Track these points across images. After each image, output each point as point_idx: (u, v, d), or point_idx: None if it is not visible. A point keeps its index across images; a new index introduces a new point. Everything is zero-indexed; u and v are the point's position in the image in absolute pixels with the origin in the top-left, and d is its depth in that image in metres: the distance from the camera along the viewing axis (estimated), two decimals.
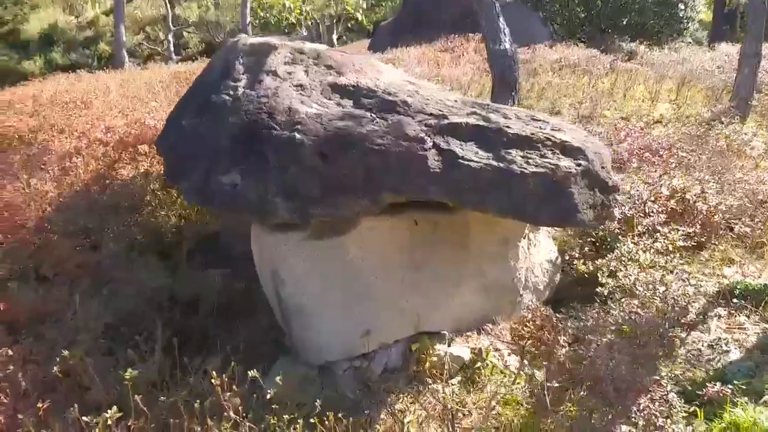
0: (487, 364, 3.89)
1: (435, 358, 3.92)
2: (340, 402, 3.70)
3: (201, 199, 3.46)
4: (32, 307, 3.55)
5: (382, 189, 3.29)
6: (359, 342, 3.81)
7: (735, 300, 4.68)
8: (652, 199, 5.11)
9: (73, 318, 3.44)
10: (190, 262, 4.53)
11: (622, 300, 4.05)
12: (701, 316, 4.19)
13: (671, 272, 4.62)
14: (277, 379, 2.79)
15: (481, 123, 3.50)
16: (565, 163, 3.34)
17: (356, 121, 3.38)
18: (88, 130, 6.71)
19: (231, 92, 3.80)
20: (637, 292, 4.05)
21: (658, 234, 4.73)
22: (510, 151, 3.38)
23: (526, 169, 3.26)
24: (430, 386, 3.84)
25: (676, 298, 3.94)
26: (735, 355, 4.19)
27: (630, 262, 4.38)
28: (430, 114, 3.52)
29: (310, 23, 11.06)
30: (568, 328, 3.60)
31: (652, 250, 4.57)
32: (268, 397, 2.74)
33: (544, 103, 10.28)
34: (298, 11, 10.71)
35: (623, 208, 4.90)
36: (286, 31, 11.86)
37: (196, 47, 22.08)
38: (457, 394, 3.66)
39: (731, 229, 5.40)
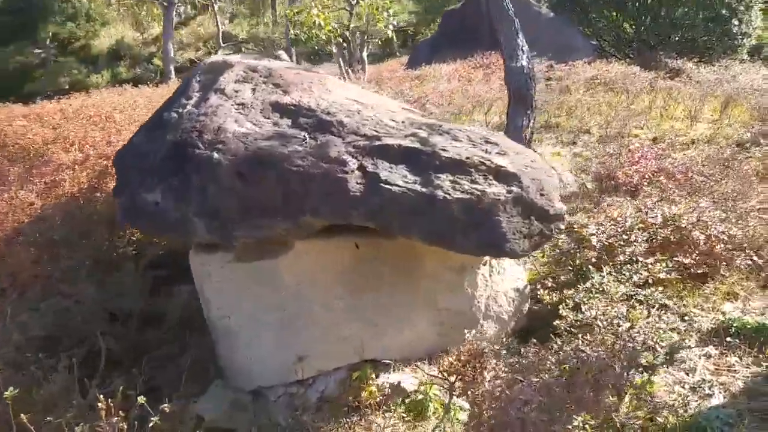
0: (430, 398, 3.69)
1: (375, 389, 3.75)
2: (270, 430, 3.60)
3: (130, 217, 3.45)
4: None
5: (303, 211, 3.19)
6: (293, 368, 3.70)
7: (729, 339, 4.32)
8: (640, 226, 4.76)
9: (2, 330, 3.52)
10: (146, 276, 4.55)
11: (579, 335, 3.77)
12: (667, 357, 3.85)
13: (652, 306, 4.31)
14: (164, 407, 2.71)
15: (416, 146, 3.34)
16: (494, 189, 3.14)
17: (282, 141, 3.30)
18: (97, 143, 6.93)
19: (180, 110, 3.81)
20: (597, 327, 3.76)
21: (638, 264, 4.40)
22: (440, 175, 3.20)
23: (450, 194, 3.08)
24: (367, 418, 3.68)
25: (633, 336, 3.63)
26: (718, 399, 3.85)
27: (598, 294, 4.08)
28: (364, 135, 3.39)
29: (341, 40, 11.11)
30: (504, 365, 3.35)
31: (629, 282, 4.26)
32: (150, 425, 2.65)
33: (572, 121, 9.94)
34: (328, 28, 10.82)
35: (601, 236, 4.60)
36: (316, 48, 12.01)
37: None
38: (389, 428, 3.49)
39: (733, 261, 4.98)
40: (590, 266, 4.36)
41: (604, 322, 3.80)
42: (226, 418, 3.65)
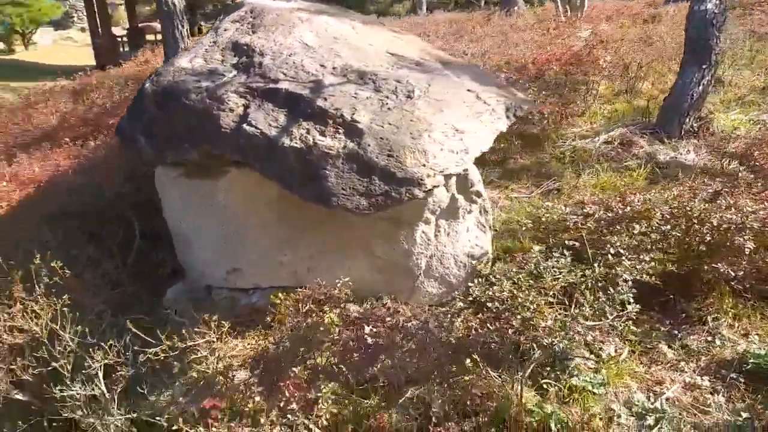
0: None
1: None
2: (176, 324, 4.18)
3: (116, 132, 4.30)
4: None
5: (199, 142, 3.63)
6: (231, 277, 4.26)
7: (734, 375, 3.58)
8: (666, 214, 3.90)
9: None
10: None
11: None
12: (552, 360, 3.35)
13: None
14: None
15: (302, 92, 3.46)
16: (329, 142, 3.12)
17: (203, 77, 3.73)
18: None
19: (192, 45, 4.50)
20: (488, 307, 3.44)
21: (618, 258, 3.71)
22: (304, 123, 3.30)
23: (287, 143, 3.19)
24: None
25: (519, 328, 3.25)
26: None
27: (529, 278, 3.62)
28: (268, 78, 3.62)
29: None
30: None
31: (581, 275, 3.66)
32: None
33: None
34: None
35: (579, 218, 3.93)
36: None
37: None
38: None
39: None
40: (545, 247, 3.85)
41: (499, 305, 3.45)
42: (173, 303, 4.42)
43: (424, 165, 3.16)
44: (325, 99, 3.38)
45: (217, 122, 3.46)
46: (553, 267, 3.67)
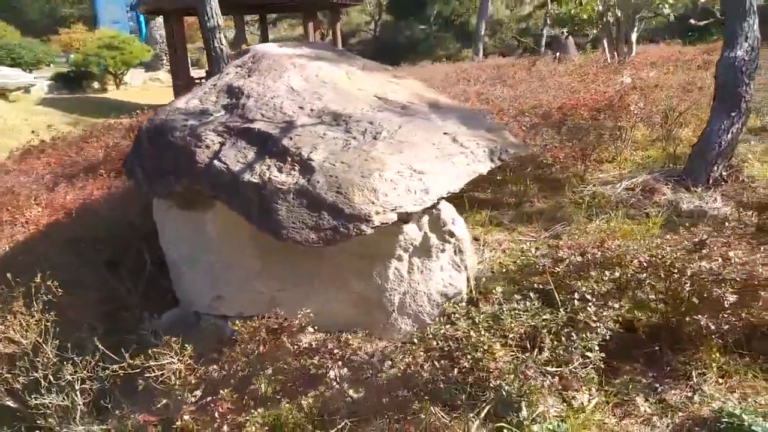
0: None
1: None
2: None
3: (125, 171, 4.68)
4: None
5: (181, 176, 3.92)
6: (216, 305, 4.48)
7: None
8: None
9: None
10: None
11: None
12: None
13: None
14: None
15: (271, 131, 3.68)
16: (283, 178, 3.30)
17: (192, 117, 4.05)
18: None
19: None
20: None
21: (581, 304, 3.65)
22: (268, 159, 3.51)
23: (247, 177, 3.40)
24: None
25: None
26: None
27: (488, 319, 3.62)
28: (245, 117, 3.87)
29: (608, 19, 10.15)
30: None
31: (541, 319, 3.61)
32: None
33: None
34: (590, 8, 10.13)
35: (548, 261, 3.88)
36: (576, 29, 11.01)
37: None
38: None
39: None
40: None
41: (452, 344, 3.46)
42: (166, 327, 4.68)
43: (373, 202, 3.28)
44: (290, 138, 3.59)
45: (193, 158, 3.74)
46: (514, 309, 3.65)
